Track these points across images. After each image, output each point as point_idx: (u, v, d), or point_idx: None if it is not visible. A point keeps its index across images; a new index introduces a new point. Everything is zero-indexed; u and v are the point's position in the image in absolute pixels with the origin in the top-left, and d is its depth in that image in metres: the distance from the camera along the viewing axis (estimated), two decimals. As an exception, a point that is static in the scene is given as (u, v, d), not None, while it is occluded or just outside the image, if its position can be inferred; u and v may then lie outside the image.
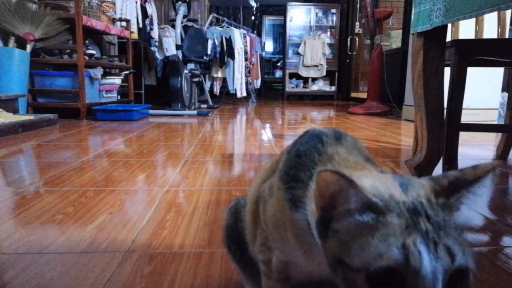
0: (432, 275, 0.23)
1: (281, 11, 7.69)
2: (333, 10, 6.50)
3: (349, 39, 6.09)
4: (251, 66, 5.65)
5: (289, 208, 0.35)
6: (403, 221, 0.24)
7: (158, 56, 4.58)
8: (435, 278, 0.23)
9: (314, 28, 6.45)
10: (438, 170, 1.34)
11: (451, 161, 1.32)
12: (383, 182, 0.27)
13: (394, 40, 4.78)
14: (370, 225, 0.25)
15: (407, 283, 0.23)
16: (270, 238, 0.42)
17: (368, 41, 4.56)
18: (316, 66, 6.30)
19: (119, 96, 3.63)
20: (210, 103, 4.60)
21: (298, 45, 6.38)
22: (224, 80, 5.31)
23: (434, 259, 0.23)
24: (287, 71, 6.48)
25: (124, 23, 3.78)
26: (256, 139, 2.22)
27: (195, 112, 3.60)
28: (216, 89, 5.28)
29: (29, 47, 2.72)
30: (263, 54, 7.50)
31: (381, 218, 0.25)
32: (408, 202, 0.25)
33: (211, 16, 5.39)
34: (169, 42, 4.53)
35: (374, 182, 0.27)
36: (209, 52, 4.79)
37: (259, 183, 0.46)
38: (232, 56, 5.03)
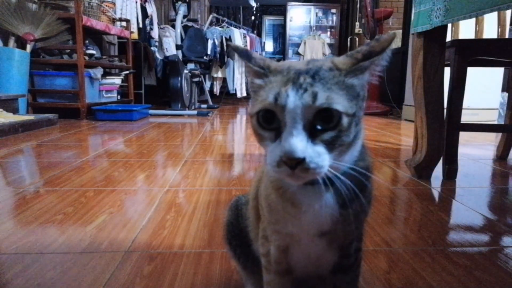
0: (293, 109, 0.31)
1: (281, 11, 7.69)
2: (333, 10, 6.50)
3: (349, 39, 6.09)
4: (251, 66, 5.63)
5: (265, 165, 0.39)
6: (285, 78, 0.33)
7: (158, 56, 4.58)
8: (295, 111, 0.31)
9: (314, 28, 6.45)
10: (438, 170, 1.34)
11: (451, 161, 1.32)
12: (296, 63, 0.36)
13: (394, 40, 4.77)
14: (261, 85, 0.35)
15: (276, 116, 0.32)
16: (267, 222, 0.43)
17: (368, 41, 4.55)
18: (316, 66, 6.30)
19: (119, 96, 3.63)
20: (210, 103, 4.59)
21: (298, 45, 6.38)
22: (224, 80, 5.31)
23: (298, 99, 0.31)
24: (287, 71, 6.47)
25: (124, 23, 3.78)
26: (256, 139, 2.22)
27: (195, 112, 3.60)
28: (216, 89, 5.28)
29: (29, 47, 2.72)
30: (263, 54, 7.50)
31: (267, 79, 0.35)
32: (302, 69, 0.33)
33: (211, 16, 5.38)
34: (169, 42, 4.53)
35: (285, 62, 0.36)
36: (209, 52, 4.79)
37: (257, 180, 0.48)
38: (232, 56, 5.03)
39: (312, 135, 0.32)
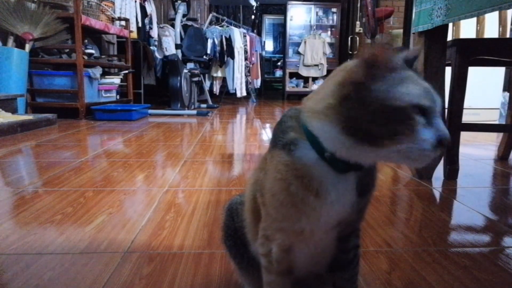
0: (440, 107, 0.37)
1: (281, 10, 7.68)
2: (334, 9, 6.49)
3: (349, 39, 6.08)
4: (251, 66, 5.64)
5: (287, 153, 0.40)
6: (416, 76, 0.37)
7: (158, 55, 4.57)
8: (440, 109, 0.37)
9: (314, 27, 6.44)
10: (439, 170, 1.34)
11: (452, 161, 1.31)
12: None
13: (395, 40, 4.77)
14: (401, 78, 0.36)
15: (430, 112, 0.36)
16: (271, 220, 0.42)
17: (368, 41, 4.56)
18: (317, 65, 6.29)
19: (118, 96, 3.62)
20: (210, 102, 4.59)
21: (298, 44, 6.37)
22: (224, 79, 5.30)
23: (439, 99, 0.37)
24: (287, 71, 6.47)
25: (123, 22, 3.77)
26: (256, 139, 2.22)
27: (194, 112, 3.59)
28: (216, 89, 5.27)
29: (28, 47, 2.71)
30: (263, 53, 7.49)
31: (405, 74, 0.37)
32: (415, 73, 0.38)
33: (210, 15, 5.38)
34: (169, 42, 4.52)
35: None
36: (208, 52, 4.78)
37: (252, 183, 0.48)
38: (232, 55, 5.02)
39: None
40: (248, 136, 2.33)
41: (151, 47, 4.44)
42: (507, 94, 3.03)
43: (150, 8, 4.42)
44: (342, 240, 0.45)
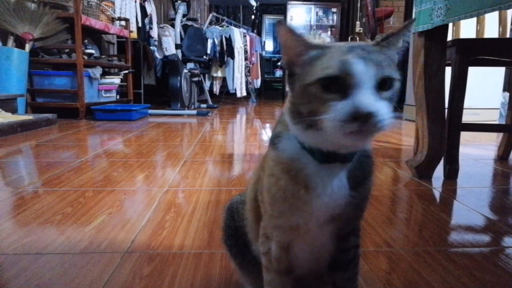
0: (364, 73, 0.33)
1: (281, 10, 7.68)
2: (334, 9, 6.49)
3: (349, 39, 6.08)
4: (251, 66, 5.63)
5: (273, 148, 0.41)
6: (344, 49, 0.35)
7: (158, 55, 4.57)
8: (367, 76, 0.33)
9: (314, 27, 6.44)
10: (439, 170, 1.34)
11: (452, 161, 1.31)
12: (338, 43, 0.38)
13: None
14: (317, 56, 0.36)
15: (345, 84, 0.33)
16: (268, 217, 0.43)
17: (369, 41, 4.55)
18: (316, 65, 6.29)
19: (118, 96, 3.62)
20: (210, 102, 4.59)
21: (298, 44, 6.36)
22: (224, 79, 5.30)
23: (365, 67, 0.33)
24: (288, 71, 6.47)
25: (123, 22, 3.77)
26: (256, 139, 2.22)
27: (194, 112, 3.59)
28: (216, 89, 5.27)
29: (28, 47, 2.71)
30: (263, 53, 7.48)
31: (325, 51, 0.36)
32: (354, 45, 0.36)
33: (210, 15, 5.38)
34: (169, 42, 4.52)
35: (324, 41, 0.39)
36: (208, 52, 4.78)
37: (253, 182, 0.48)
38: (232, 55, 5.02)
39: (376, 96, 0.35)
40: (248, 136, 2.33)
41: (151, 47, 4.44)
42: (507, 94, 3.03)
43: (150, 8, 4.42)
44: (341, 239, 0.44)
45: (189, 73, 3.95)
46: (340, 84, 0.34)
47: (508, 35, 1.66)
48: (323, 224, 0.41)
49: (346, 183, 0.39)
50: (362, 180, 0.41)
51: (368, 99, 0.33)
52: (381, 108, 0.33)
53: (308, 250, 0.44)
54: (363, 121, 0.32)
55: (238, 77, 5.19)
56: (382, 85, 0.35)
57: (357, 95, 0.33)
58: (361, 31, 5.47)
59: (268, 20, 8.40)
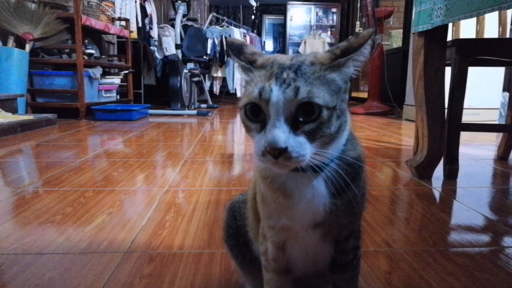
0: (276, 103, 0.33)
1: (281, 10, 7.68)
2: (334, 9, 6.49)
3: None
4: (251, 66, 5.63)
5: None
6: (269, 73, 0.35)
7: (158, 55, 4.57)
8: (278, 105, 0.33)
9: (314, 27, 6.45)
10: (439, 170, 1.34)
11: (451, 161, 1.31)
12: (281, 56, 0.37)
13: (394, 40, 4.77)
14: (248, 80, 0.37)
15: (261, 109, 0.34)
16: (262, 217, 0.43)
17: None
18: (316, 65, 6.29)
19: (118, 96, 3.62)
20: (210, 102, 4.59)
21: (298, 44, 6.37)
22: (224, 79, 5.30)
23: (281, 94, 0.33)
24: (287, 71, 6.46)
25: (123, 23, 3.77)
26: (256, 139, 2.21)
27: (194, 112, 3.59)
28: (216, 89, 5.27)
29: (28, 47, 2.71)
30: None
31: (253, 74, 0.36)
32: (285, 64, 0.35)
33: (210, 15, 5.37)
34: (169, 42, 4.52)
35: (271, 56, 0.38)
36: (208, 52, 4.78)
37: (254, 182, 0.48)
38: (231, 55, 5.02)
39: (294, 126, 0.34)
40: (248, 136, 2.33)
41: (151, 47, 4.44)
42: (507, 94, 3.03)
43: (150, 8, 4.42)
44: (340, 241, 0.44)
45: (189, 73, 3.95)
46: (261, 112, 0.34)
47: (508, 35, 1.66)
48: (308, 229, 0.41)
49: (325, 191, 0.38)
50: (344, 188, 0.39)
51: (276, 134, 0.32)
52: (294, 143, 0.32)
53: (303, 251, 0.44)
54: (274, 156, 0.32)
55: (238, 77, 5.19)
56: (308, 113, 0.33)
57: (269, 128, 0.33)
58: (361, 31, 5.46)
59: (268, 20, 8.41)
